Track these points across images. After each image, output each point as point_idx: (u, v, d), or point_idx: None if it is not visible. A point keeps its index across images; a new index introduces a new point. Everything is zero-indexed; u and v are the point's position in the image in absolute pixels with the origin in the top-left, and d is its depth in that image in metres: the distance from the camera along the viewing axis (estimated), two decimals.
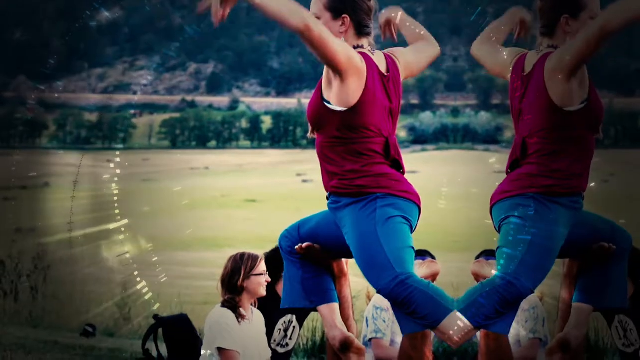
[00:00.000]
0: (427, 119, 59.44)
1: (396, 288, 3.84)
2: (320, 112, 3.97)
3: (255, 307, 5.58)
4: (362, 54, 3.94)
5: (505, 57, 4.12)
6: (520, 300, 3.85)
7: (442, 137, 58.38)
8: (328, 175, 4.08)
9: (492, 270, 3.92)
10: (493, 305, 3.82)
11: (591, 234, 3.95)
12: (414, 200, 3.96)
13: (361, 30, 3.97)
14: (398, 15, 4.27)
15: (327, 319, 4.23)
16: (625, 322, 4.64)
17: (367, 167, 3.99)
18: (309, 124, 4.09)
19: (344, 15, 3.95)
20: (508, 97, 4.06)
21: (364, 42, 3.98)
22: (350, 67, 3.87)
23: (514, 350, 5.01)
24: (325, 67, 3.95)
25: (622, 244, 3.99)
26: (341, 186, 3.99)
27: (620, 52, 70.62)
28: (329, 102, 3.95)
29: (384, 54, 3.99)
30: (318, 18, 3.92)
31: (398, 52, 4.09)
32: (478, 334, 4.19)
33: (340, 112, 3.95)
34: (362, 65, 3.86)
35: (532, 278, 3.81)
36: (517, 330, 5.28)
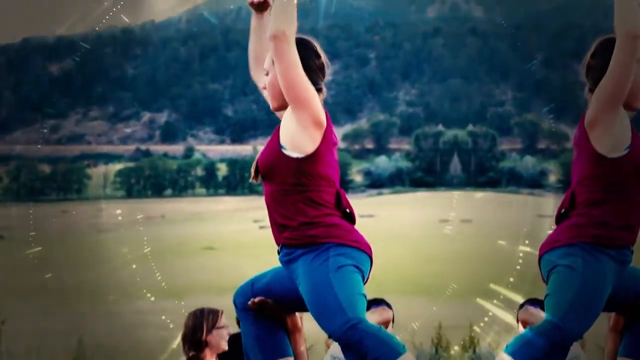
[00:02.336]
0: (382, 163, 59.68)
1: (347, 332, 3.89)
2: (275, 157, 3.99)
3: None
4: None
5: None
6: (569, 344, 3.91)
7: (397, 180, 58.61)
8: (279, 228, 4.10)
9: (541, 316, 4.00)
10: (543, 348, 3.87)
11: (638, 289, 4.00)
12: (365, 250, 4.04)
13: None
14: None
15: None
16: None
17: (320, 217, 4.03)
18: (258, 170, 4.09)
19: None
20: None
21: (321, 95, 4.03)
22: (306, 107, 3.96)
23: None
24: (288, 111, 4.01)
25: None
26: (294, 237, 4.02)
27: None
28: (285, 148, 3.98)
29: None
30: (267, 73, 4.04)
31: None
32: None
33: (297, 159, 3.97)
34: (323, 112, 3.92)
35: (580, 324, 3.88)
36: None
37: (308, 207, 3.96)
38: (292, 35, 3.90)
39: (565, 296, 3.87)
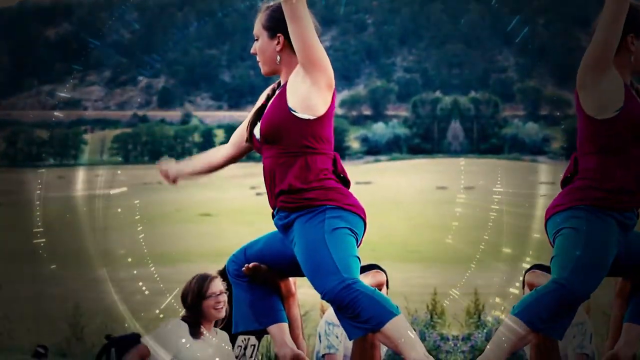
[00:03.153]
0: (379, 130, 59.59)
1: (342, 292, 3.92)
2: (285, 120, 4.02)
3: (218, 327, 5.49)
4: None
5: None
6: (575, 305, 3.93)
7: (395, 147, 58.53)
8: (276, 191, 4.12)
9: (548, 279, 4.02)
10: (548, 308, 3.89)
11: None
12: (360, 214, 4.09)
13: None
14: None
15: (276, 338, 4.33)
16: None
17: (319, 181, 4.06)
18: (260, 136, 4.08)
19: (278, 34, 4.08)
20: None
21: None
22: (322, 68, 4.03)
23: None
24: (296, 74, 4.07)
25: None
26: (291, 201, 4.05)
27: None
28: (295, 111, 4.02)
29: None
30: (257, 38, 4.09)
31: None
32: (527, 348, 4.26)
33: (308, 120, 4.02)
34: (332, 73, 4.00)
35: (585, 283, 3.89)
36: (564, 345, 5.29)
37: (309, 170, 4.01)
38: None
39: (570, 256, 3.89)
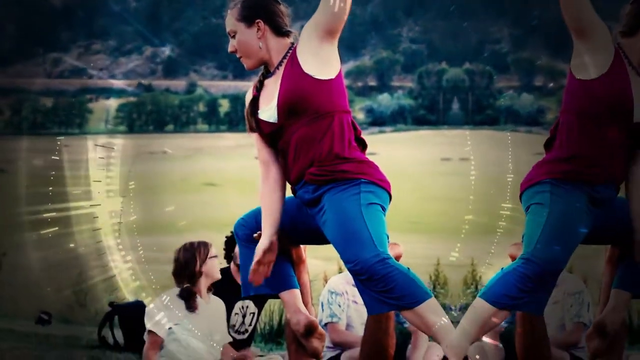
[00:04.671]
0: (384, 101, 59.39)
1: (377, 265, 3.94)
2: (307, 88, 4.03)
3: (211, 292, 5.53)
4: None
5: None
6: (547, 278, 3.96)
7: (399, 118, 58.36)
8: (303, 164, 4.09)
9: None
10: (514, 284, 3.93)
11: (629, 219, 4.02)
12: (388, 189, 4.13)
13: (280, 31, 4.07)
14: None
15: (290, 304, 4.33)
16: None
17: (351, 152, 4.07)
18: (281, 113, 4.08)
19: (257, 20, 4.09)
20: None
21: (290, 39, 4.10)
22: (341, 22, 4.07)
23: (558, 335, 5.05)
24: (308, 36, 4.10)
25: None
26: (322, 173, 4.04)
27: None
28: (314, 75, 4.05)
29: None
30: (234, 34, 4.08)
31: None
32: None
33: (329, 80, 4.05)
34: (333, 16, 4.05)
35: (550, 254, 3.91)
36: (562, 314, 5.31)
37: (342, 132, 4.02)
38: None
39: (535, 231, 3.91)
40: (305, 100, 4.10)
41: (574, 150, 4.02)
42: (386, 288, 3.92)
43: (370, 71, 68.80)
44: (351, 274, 4.05)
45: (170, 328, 5.23)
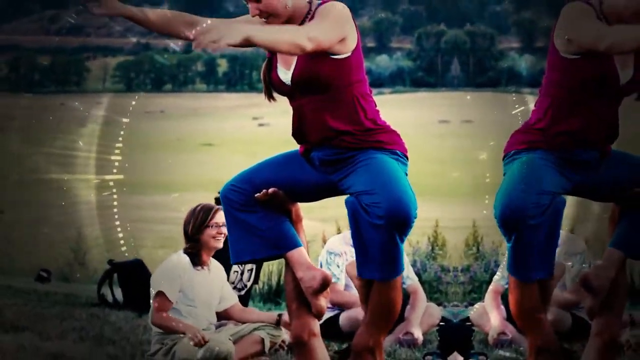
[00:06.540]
0: (383, 62, 59.22)
1: (413, 221, 3.97)
2: (324, 68, 4.03)
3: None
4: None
5: None
6: (509, 229, 3.95)
7: (398, 80, 58.23)
8: (330, 132, 4.05)
9: None
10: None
11: (629, 174, 3.99)
12: (407, 160, 4.18)
13: None
14: None
15: (300, 262, 4.30)
16: None
17: (381, 124, 4.10)
18: (298, 88, 4.06)
19: None
20: None
21: None
22: (349, 29, 4.04)
23: (559, 294, 5.06)
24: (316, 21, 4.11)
25: None
26: (357, 141, 4.01)
27: None
28: (332, 55, 4.05)
29: None
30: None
31: None
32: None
33: (345, 58, 4.04)
34: (349, 14, 4.01)
35: (512, 204, 3.87)
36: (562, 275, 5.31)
37: (364, 111, 4.02)
38: (301, 37, 3.99)
39: (501, 187, 3.94)
40: (325, 81, 4.11)
41: (539, 121, 4.05)
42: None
43: (368, 32, 68.58)
44: (384, 218, 3.95)
45: (180, 291, 5.22)
